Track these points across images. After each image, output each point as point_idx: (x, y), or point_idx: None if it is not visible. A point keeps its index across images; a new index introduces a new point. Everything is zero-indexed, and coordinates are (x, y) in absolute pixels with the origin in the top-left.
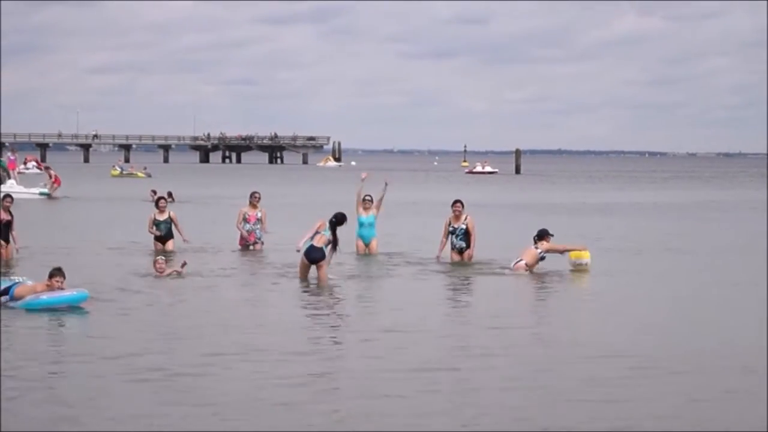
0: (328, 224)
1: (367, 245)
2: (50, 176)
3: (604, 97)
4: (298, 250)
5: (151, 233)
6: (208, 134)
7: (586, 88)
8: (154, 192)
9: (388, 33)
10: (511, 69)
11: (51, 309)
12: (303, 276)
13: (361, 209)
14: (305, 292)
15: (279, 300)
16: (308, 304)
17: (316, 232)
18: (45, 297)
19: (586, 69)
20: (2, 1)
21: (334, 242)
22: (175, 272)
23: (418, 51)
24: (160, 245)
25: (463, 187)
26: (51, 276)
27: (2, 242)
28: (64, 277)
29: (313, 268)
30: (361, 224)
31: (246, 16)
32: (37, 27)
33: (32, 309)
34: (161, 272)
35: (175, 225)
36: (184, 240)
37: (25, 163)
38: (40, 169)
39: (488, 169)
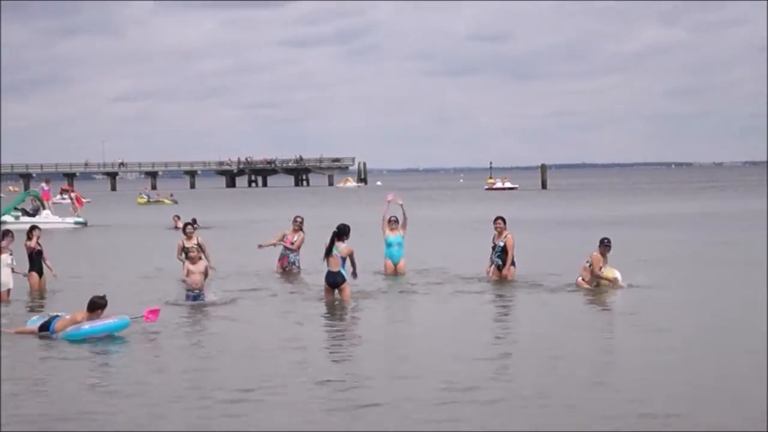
0: (328, 241)
1: (395, 265)
2: (72, 199)
3: (628, 109)
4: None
5: (180, 260)
6: (238, 159)
7: (609, 101)
8: (177, 217)
9: (410, 52)
10: (533, 84)
11: (93, 338)
12: (328, 299)
13: (387, 230)
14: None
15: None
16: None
17: (330, 257)
18: (87, 327)
19: (608, 82)
20: (27, 34)
21: (349, 254)
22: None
23: (441, 69)
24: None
25: (485, 205)
26: (94, 308)
27: (35, 273)
28: (104, 308)
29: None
30: (389, 244)
31: (268, 39)
32: (60, 57)
33: (74, 340)
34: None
35: (203, 250)
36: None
37: (61, 194)
38: (74, 199)
39: (508, 185)
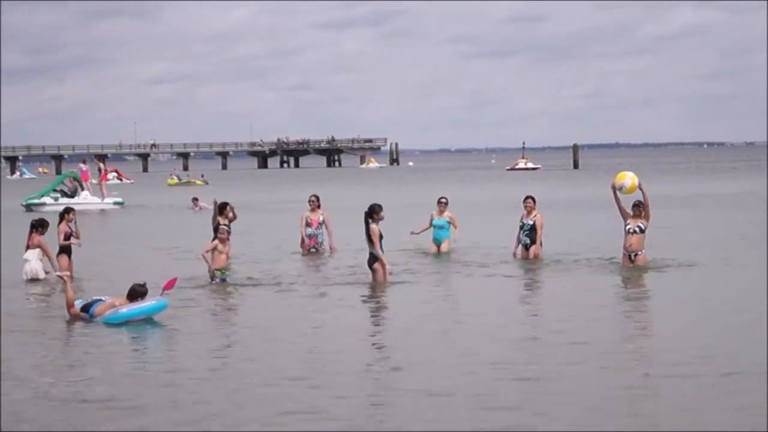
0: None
1: (438, 246)
2: (99, 170)
3: (662, 90)
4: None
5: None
6: (278, 139)
7: (644, 83)
8: (196, 199)
9: (446, 34)
10: (568, 66)
11: (132, 321)
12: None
13: (436, 212)
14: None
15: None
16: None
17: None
18: (125, 310)
19: (643, 64)
20: (64, 16)
21: (368, 236)
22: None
23: (476, 51)
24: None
25: (508, 185)
26: (134, 296)
27: (64, 255)
28: (144, 296)
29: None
30: (434, 226)
31: (304, 22)
32: (97, 39)
33: (113, 323)
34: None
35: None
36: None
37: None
38: (121, 179)
39: (530, 165)
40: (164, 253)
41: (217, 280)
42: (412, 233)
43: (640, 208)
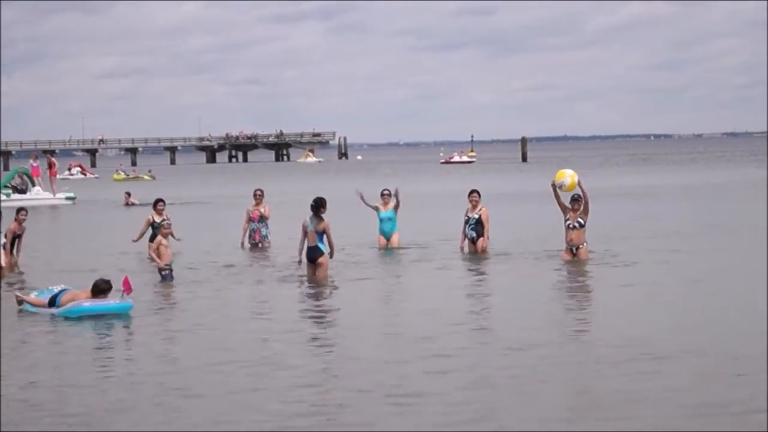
0: (309, 218)
1: (388, 240)
2: (50, 165)
3: (611, 82)
4: (300, 262)
5: (136, 239)
6: (226, 134)
7: (592, 75)
8: (128, 194)
9: (395, 28)
10: (517, 59)
11: (90, 316)
12: (308, 273)
13: (380, 205)
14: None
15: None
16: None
17: (305, 233)
18: (87, 304)
19: (591, 55)
20: (9, 11)
21: (315, 229)
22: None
23: (425, 45)
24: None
25: (450, 178)
26: (97, 292)
27: (13, 254)
28: (108, 292)
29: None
30: (381, 219)
31: (254, 16)
32: (46, 35)
33: (72, 316)
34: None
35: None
36: (177, 239)
37: (69, 170)
38: (85, 174)
39: (465, 159)
40: (104, 249)
41: (167, 272)
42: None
43: (579, 203)
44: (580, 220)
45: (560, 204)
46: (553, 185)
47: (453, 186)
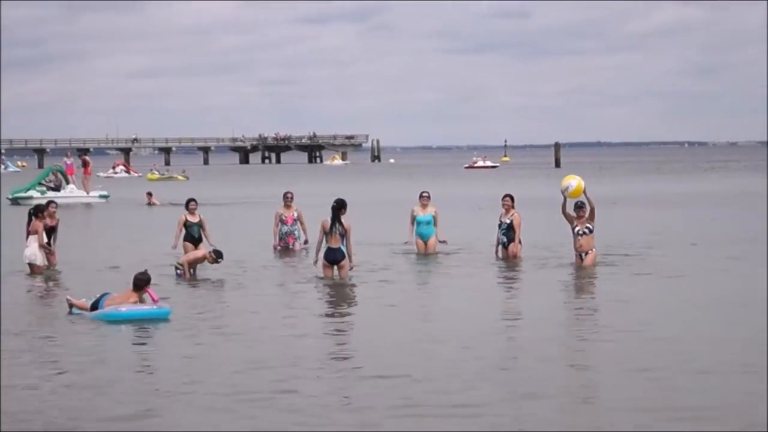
0: (330, 219)
1: (426, 243)
2: (84, 164)
3: (643, 88)
4: (316, 262)
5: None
6: (259, 135)
7: (625, 80)
8: (150, 194)
9: (427, 30)
10: (550, 62)
11: (129, 321)
12: (327, 275)
13: (418, 207)
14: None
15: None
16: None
17: (325, 233)
18: (124, 309)
19: (624, 60)
20: (45, 10)
21: (344, 232)
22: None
23: (457, 47)
24: (191, 247)
25: (466, 183)
26: (139, 286)
27: (50, 248)
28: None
29: (335, 267)
30: (418, 222)
31: (285, 16)
32: (78, 34)
33: (111, 320)
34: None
35: (203, 229)
36: (211, 244)
37: (114, 168)
38: (129, 173)
39: (489, 163)
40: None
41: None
42: (407, 243)
43: (583, 209)
44: (588, 225)
45: (566, 214)
46: (563, 192)
47: (475, 191)
